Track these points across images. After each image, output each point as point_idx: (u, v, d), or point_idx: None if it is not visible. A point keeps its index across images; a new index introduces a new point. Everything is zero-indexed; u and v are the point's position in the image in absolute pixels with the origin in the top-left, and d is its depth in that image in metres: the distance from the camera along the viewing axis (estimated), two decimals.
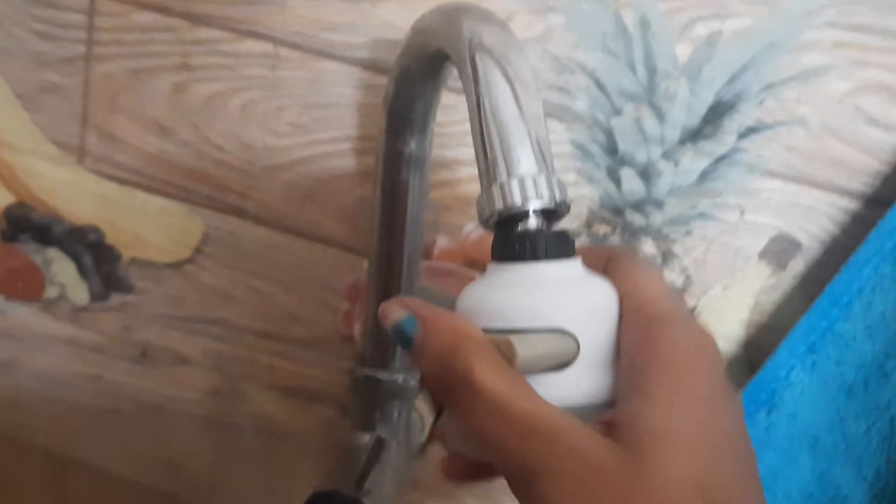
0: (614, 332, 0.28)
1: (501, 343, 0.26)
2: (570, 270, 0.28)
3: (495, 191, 0.29)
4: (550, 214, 0.29)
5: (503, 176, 0.29)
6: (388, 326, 0.28)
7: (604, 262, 0.30)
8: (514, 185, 0.28)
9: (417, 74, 0.38)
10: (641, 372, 0.26)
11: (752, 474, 0.26)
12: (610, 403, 0.27)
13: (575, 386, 0.27)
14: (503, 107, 0.29)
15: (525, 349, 0.26)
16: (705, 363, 0.26)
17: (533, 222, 0.28)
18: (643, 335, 0.27)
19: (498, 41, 0.31)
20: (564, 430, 0.24)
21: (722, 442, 0.25)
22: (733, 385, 0.28)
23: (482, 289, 0.28)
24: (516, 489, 0.25)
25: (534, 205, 0.28)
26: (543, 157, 0.29)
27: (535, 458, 0.24)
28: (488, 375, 0.25)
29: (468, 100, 0.30)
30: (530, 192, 0.28)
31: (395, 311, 0.28)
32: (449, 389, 0.26)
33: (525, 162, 0.29)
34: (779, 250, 0.44)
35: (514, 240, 0.28)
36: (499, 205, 0.28)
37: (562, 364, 0.26)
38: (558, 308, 0.27)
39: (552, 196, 0.28)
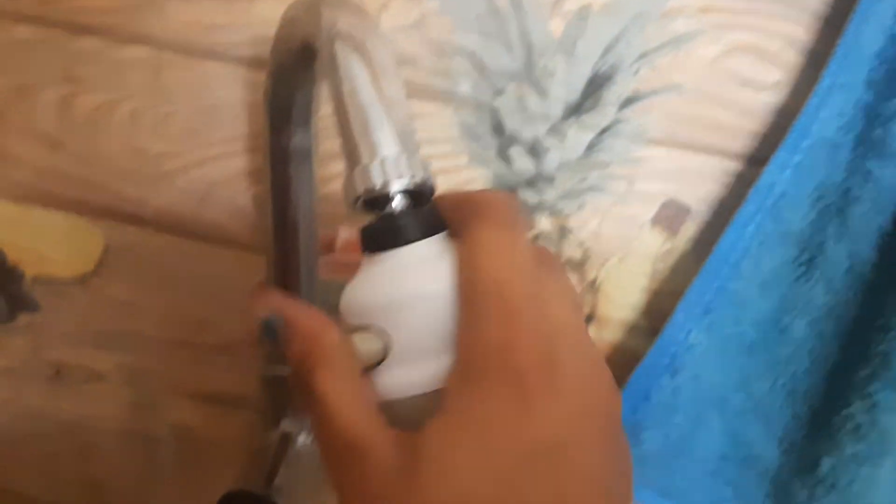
0: (445, 317, 0.26)
1: (357, 340, 0.27)
2: (413, 253, 0.27)
3: (357, 174, 0.29)
4: (415, 195, 0.29)
5: (364, 159, 0.29)
6: (255, 321, 0.29)
7: (466, 216, 0.27)
8: (375, 167, 0.28)
9: (291, 67, 0.38)
10: (450, 378, 0.25)
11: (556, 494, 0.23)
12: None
13: (399, 377, 0.27)
14: (361, 91, 0.29)
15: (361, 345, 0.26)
16: (511, 365, 0.24)
17: (398, 203, 0.28)
18: (463, 330, 0.25)
19: (355, 27, 0.31)
20: (370, 450, 0.24)
21: (512, 476, 0.23)
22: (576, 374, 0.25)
23: (352, 284, 0.28)
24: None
25: (395, 185, 0.28)
26: (404, 139, 0.29)
27: (341, 481, 0.25)
28: (328, 385, 0.25)
29: (329, 88, 0.30)
30: (391, 172, 0.28)
31: (260, 308, 0.29)
32: (301, 393, 0.27)
33: (385, 144, 0.29)
34: (670, 216, 0.45)
35: (374, 228, 0.28)
36: (360, 188, 0.28)
37: (376, 361, 0.27)
38: (376, 301, 0.27)
39: (413, 175, 0.28)
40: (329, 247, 0.49)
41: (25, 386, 0.54)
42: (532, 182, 0.45)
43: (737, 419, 0.46)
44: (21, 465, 0.56)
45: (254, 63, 0.46)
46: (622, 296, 0.46)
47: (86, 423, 0.54)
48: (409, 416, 0.26)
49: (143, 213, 0.49)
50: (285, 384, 0.46)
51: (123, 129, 0.48)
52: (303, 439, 0.42)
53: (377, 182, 0.28)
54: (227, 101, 0.46)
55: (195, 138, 0.47)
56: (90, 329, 0.52)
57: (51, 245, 0.51)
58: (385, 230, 0.28)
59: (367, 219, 0.29)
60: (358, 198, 0.29)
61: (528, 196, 0.45)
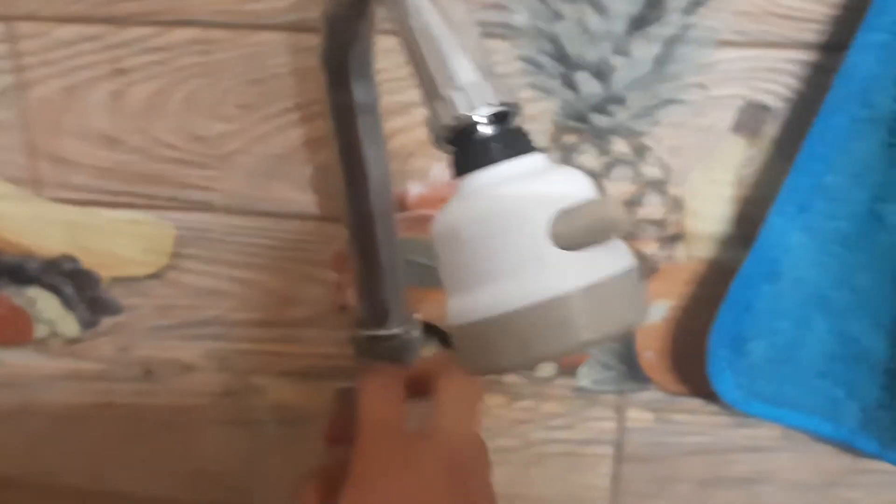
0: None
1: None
2: (535, 164, 0.27)
3: (439, 106, 0.28)
4: (503, 117, 0.28)
5: (445, 89, 0.28)
6: None
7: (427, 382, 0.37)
8: (458, 95, 0.27)
9: (346, 19, 0.37)
10: None
11: None
12: None
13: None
14: (430, 22, 0.28)
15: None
16: None
17: (486, 129, 0.28)
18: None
19: None
20: None
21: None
22: None
23: (453, 207, 0.27)
24: None
25: (482, 111, 0.27)
26: (481, 63, 0.28)
27: None
28: None
29: (396, 25, 0.29)
30: (475, 99, 0.27)
31: None
32: None
33: (463, 71, 0.28)
34: (750, 119, 0.43)
35: (470, 150, 0.28)
36: (446, 119, 0.28)
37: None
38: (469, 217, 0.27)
39: (497, 98, 0.27)
40: (403, 204, 0.48)
41: (118, 388, 0.54)
42: (601, 106, 0.44)
43: (842, 316, 0.45)
44: (123, 467, 0.57)
45: (301, 27, 0.44)
46: (709, 209, 0.45)
47: (184, 416, 0.54)
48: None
49: (210, 199, 0.48)
50: (377, 343, 0.45)
51: (180, 115, 0.47)
52: None
53: (463, 110, 0.27)
54: (280, 70, 0.45)
55: (253, 114, 0.46)
56: (174, 322, 0.52)
57: (123, 244, 0.50)
58: (477, 151, 0.27)
59: (455, 149, 0.28)
60: (445, 129, 0.28)
61: (600, 121, 0.44)
